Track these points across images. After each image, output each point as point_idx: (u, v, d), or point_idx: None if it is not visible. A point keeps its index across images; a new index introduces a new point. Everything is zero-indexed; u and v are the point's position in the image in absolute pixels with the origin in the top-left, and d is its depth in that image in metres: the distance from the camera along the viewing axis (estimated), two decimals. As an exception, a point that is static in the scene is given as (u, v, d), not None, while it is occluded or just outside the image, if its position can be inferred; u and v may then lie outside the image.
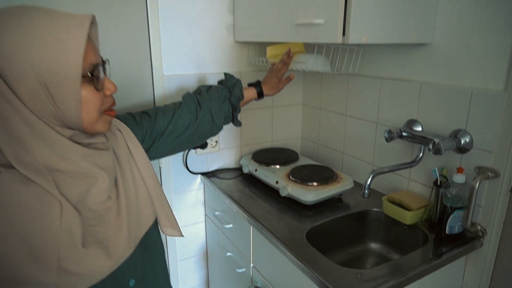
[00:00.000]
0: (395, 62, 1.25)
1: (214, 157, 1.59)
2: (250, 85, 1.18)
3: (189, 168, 1.53)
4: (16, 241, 0.52)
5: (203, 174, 1.57)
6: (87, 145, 0.61)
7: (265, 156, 1.55)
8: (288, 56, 1.13)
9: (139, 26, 1.31)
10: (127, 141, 0.75)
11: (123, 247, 0.62)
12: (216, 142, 1.55)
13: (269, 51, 1.32)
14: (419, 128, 1.19)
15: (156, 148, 0.93)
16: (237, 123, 1.14)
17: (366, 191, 1.05)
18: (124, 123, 0.81)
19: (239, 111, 1.13)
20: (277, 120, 1.71)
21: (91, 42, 0.59)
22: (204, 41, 1.44)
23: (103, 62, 0.62)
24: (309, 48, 1.40)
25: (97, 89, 0.60)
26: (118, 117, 0.86)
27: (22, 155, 0.53)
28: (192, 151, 1.51)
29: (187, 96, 1.04)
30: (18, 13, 0.54)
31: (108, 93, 0.63)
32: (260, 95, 1.17)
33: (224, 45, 1.49)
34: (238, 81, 1.12)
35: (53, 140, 0.55)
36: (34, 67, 0.52)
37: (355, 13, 0.94)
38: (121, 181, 0.66)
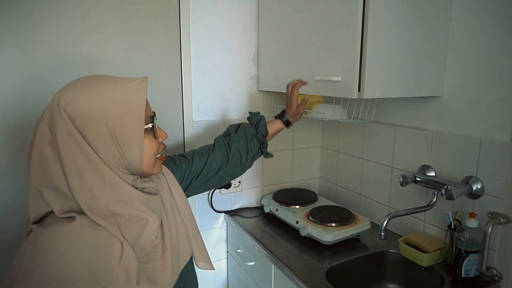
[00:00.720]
0: (408, 112, 1.35)
1: (237, 197, 1.68)
2: (276, 117, 1.25)
3: (213, 206, 1.62)
4: (87, 279, 0.59)
5: (226, 212, 1.65)
6: (142, 190, 0.71)
7: (286, 197, 1.64)
8: (292, 85, 1.20)
9: (174, 77, 1.47)
10: (169, 183, 0.86)
11: (168, 282, 0.70)
12: (239, 182, 1.65)
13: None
14: (432, 173, 1.26)
15: (192, 187, 1.04)
16: (268, 155, 1.20)
17: (383, 233, 1.11)
18: (166, 166, 0.92)
19: (267, 145, 1.20)
20: (296, 162, 1.80)
21: (146, 99, 0.71)
22: (230, 90, 1.58)
23: (154, 114, 0.73)
24: (327, 97, 1.52)
25: (154, 137, 0.72)
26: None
27: (92, 203, 0.63)
28: (217, 190, 1.61)
29: (219, 139, 1.15)
30: (89, 81, 0.66)
31: (161, 139, 0.74)
32: (287, 123, 1.23)
33: (248, 94, 1.62)
34: (262, 118, 1.20)
35: (119, 187, 0.65)
36: (108, 123, 0.64)
37: (369, 72, 1.06)
38: (165, 221, 0.76)
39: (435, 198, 1.20)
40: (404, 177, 1.24)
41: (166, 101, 1.47)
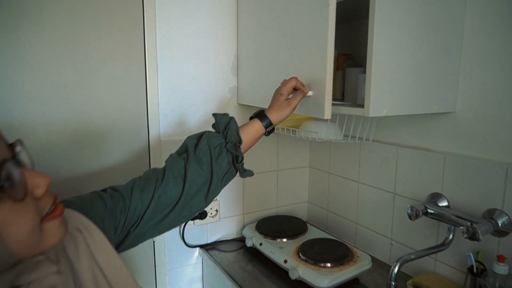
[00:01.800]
0: (413, 130, 1.16)
1: (214, 227, 1.44)
2: (253, 117, 0.91)
3: (186, 240, 1.37)
4: None
5: (201, 246, 1.41)
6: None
7: (270, 227, 1.41)
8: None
9: (137, 90, 1.23)
10: (89, 242, 0.56)
11: None
12: (217, 211, 1.41)
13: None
14: (445, 203, 1.06)
15: (133, 238, 0.73)
16: (246, 173, 0.87)
17: (393, 283, 0.90)
18: (86, 212, 0.62)
19: (242, 158, 0.85)
20: (282, 184, 1.58)
21: None
22: (205, 103, 1.35)
23: (13, 155, 0.42)
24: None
25: (18, 199, 0.40)
26: (78, 201, 0.66)
27: None
28: (190, 221, 1.37)
29: (171, 160, 0.82)
30: None
31: (40, 192, 0.42)
32: (268, 125, 0.89)
33: (226, 108, 1.40)
34: (231, 121, 0.86)
35: None
36: None
37: (375, 86, 0.85)
38: None
39: (451, 235, 1.01)
40: (413, 209, 1.04)
41: (126, 118, 1.22)
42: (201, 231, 1.41)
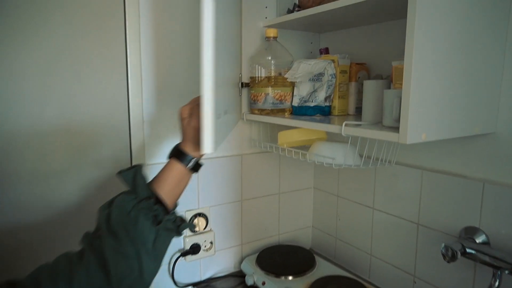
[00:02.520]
0: (442, 151, 1.00)
1: (209, 262, 1.25)
2: (170, 157, 0.78)
3: (175, 279, 1.18)
4: None
5: (194, 285, 1.22)
6: None
7: (273, 261, 1.23)
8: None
9: (119, 104, 1.04)
10: None
11: None
12: (211, 243, 1.23)
13: (282, 137, 1.05)
14: (483, 238, 0.90)
15: None
16: (181, 230, 0.73)
17: None
18: None
19: (168, 213, 0.72)
20: (284, 209, 1.40)
21: None
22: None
23: None
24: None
25: None
26: None
27: None
28: (181, 257, 1.17)
29: (88, 249, 0.65)
30: None
31: None
32: (189, 162, 0.76)
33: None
34: (136, 173, 0.72)
35: None
36: None
37: (414, 107, 0.69)
38: None
39: (497, 282, 0.84)
40: (449, 249, 0.87)
41: (104, 139, 1.03)
42: (193, 267, 1.22)
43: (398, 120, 0.76)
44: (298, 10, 1.13)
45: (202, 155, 0.78)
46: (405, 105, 0.69)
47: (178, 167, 0.76)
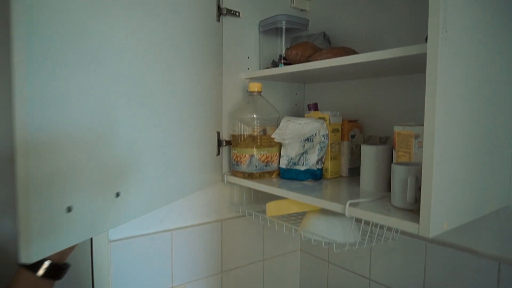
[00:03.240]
0: (448, 222, 0.90)
1: None
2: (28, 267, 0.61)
3: None
4: None
5: None
6: None
7: None
8: None
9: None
10: None
11: None
12: (187, 327, 1.05)
13: (270, 209, 0.91)
14: (501, 325, 0.79)
15: None
16: None
17: None
18: None
19: None
20: (269, 277, 1.25)
21: None
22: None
23: None
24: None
25: None
26: None
27: None
28: None
29: None
30: None
31: None
32: (38, 269, 0.60)
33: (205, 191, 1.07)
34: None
35: None
36: None
37: (436, 194, 0.58)
38: None
39: None
40: None
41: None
42: None
43: (413, 203, 0.66)
44: (284, 63, 1.03)
45: (64, 255, 0.61)
46: (427, 189, 0.58)
47: (25, 277, 0.58)
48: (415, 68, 0.86)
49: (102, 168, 0.63)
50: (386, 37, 1.01)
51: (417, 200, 0.65)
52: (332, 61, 0.82)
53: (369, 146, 0.84)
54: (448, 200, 0.61)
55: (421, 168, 0.60)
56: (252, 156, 0.98)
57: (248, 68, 1.10)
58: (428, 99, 0.57)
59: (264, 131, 1.00)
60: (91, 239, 0.91)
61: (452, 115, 0.60)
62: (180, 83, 0.87)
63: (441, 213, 0.60)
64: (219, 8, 1.00)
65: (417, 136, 0.78)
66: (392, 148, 0.84)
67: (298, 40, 1.11)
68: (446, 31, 0.57)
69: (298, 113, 1.24)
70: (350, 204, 0.70)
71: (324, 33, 1.09)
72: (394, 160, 0.82)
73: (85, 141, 0.59)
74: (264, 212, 0.98)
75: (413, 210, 0.66)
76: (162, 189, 0.81)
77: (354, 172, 1.03)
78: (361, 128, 1.06)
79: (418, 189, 0.65)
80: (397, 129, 0.81)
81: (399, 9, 0.97)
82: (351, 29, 1.09)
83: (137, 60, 0.71)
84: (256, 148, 0.98)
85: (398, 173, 0.68)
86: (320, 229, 0.83)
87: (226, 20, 1.03)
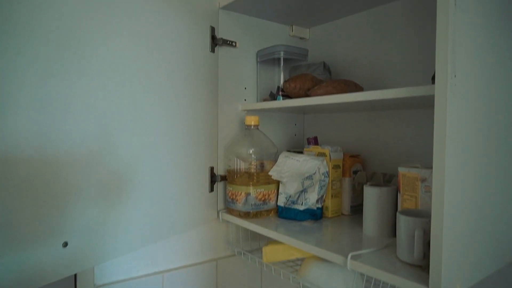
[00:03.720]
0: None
1: None
2: None
3: None
4: None
5: None
6: None
7: None
8: None
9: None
10: None
11: None
12: None
13: (268, 254, 0.85)
14: None
15: None
16: None
17: None
18: None
19: None
20: (267, 317, 1.18)
21: None
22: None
23: None
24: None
25: None
26: None
27: None
28: None
29: None
30: None
31: None
32: None
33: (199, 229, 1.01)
34: None
35: None
36: None
37: (447, 253, 0.52)
38: None
39: None
40: None
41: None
42: None
43: (421, 259, 0.60)
44: (283, 94, 0.99)
45: None
46: (437, 246, 0.53)
47: None
48: (421, 104, 0.81)
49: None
50: (388, 67, 0.96)
51: (425, 255, 0.60)
52: (332, 98, 0.78)
53: (372, 187, 0.79)
54: (460, 257, 0.56)
55: (430, 221, 0.54)
56: (248, 194, 0.92)
57: (245, 99, 1.06)
58: (437, 146, 0.52)
59: (262, 165, 0.95)
60: (75, 283, 0.85)
61: (463, 161, 0.55)
62: (172, 116, 0.83)
63: (453, 273, 0.54)
64: (213, 38, 0.96)
65: (423, 180, 0.72)
66: (397, 190, 0.78)
67: (297, 70, 1.07)
68: (455, 76, 0.52)
69: (297, 144, 1.19)
70: (352, 257, 0.64)
71: (324, 63, 1.05)
72: (399, 204, 0.76)
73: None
74: (261, 250, 0.92)
75: (422, 266, 0.60)
76: (149, 226, 0.76)
77: (357, 210, 0.97)
78: (364, 164, 1.01)
79: (426, 243, 0.59)
80: (402, 170, 0.76)
81: (402, 39, 0.93)
82: (352, 57, 1.06)
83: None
84: (252, 185, 0.92)
85: (405, 224, 0.62)
86: (320, 278, 0.77)
87: (222, 50, 1.00)
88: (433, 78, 0.65)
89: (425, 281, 0.55)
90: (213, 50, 0.96)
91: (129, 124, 0.74)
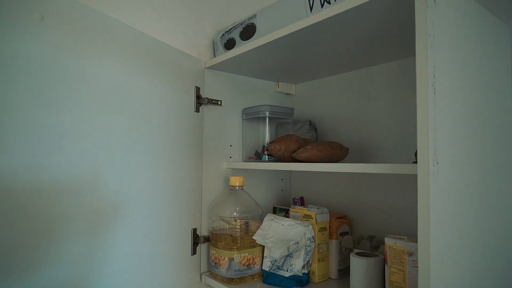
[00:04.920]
0: None
1: None
2: None
3: None
4: None
5: None
6: None
7: None
8: None
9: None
10: None
11: None
12: None
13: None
14: None
15: None
16: None
17: None
18: None
19: None
20: None
21: None
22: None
23: None
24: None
25: None
26: None
27: None
28: None
29: None
30: None
31: None
32: None
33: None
34: None
35: None
36: None
37: None
38: None
39: None
40: None
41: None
42: None
43: None
44: (268, 154, 0.98)
45: None
46: None
47: None
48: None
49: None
50: (374, 126, 0.97)
51: None
52: (315, 166, 0.77)
53: (359, 258, 0.77)
54: None
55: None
56: (232, 259, 0.89)
57: (230, 157, 1.04)
58: (421, 238, 0.51)
59: (247, 224, 0.93)
60: None
61: (450, 249, 0.53)
62: (157, 169, 0.82)
63: None
64: (198, 98, 0.96)
65: (410, 254, 0.70)
66: (384, 261, 0.76)
67: (283, 127, 1.07)
68: (437, 163, 0.51)
69: (284, 200, 1.17)
70: None
71: (310, 121, 1.05)
72: (386, 278, 0.74)
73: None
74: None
75: None
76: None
77: (345, 273, 0.94)
78: (351, 225, 0.98)
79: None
80: (389, 242, 0.74)
81: (386, 100, 0.94)
82: (338, 114, 1.06)
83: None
84: (236, 249, 0.89)
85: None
86: None
87: (208, 108, 0.99)
88: (416, 154, 0.65)
89: None
90: (197, 110, 0.96)
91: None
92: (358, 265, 0.76)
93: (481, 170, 0.61)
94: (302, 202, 0.98)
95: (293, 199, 0.99)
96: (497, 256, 0.65)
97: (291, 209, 0.96)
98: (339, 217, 0.96)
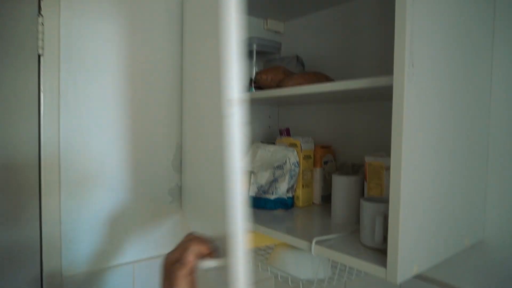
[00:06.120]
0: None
1: None
2: None
3: None
4: None
5: None
6: None
7: None
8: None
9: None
10: None
11: None
12: None
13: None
14: None
15: None
16: None
17: None
18: None
19: None
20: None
21: None
22: (133, 213, 0.96)
23: None
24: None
25: None
26: None
27: None
28: None
29: None
30: None
31: None
32: None
33: (166, 217, 1.01)
34: None
35: None
36: None
37: (404, 237, 0.55)
38: None
39: None
40: None
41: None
42: None
43: (382, 243, 0.62)
44: (255, 86, 1.00)
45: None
46: (394, 229, 0.55)
47: None
48: (386, 96, 0.83)
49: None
50: (358, 61, 0.99)
51: (385, 239, 0.62)
52: (301, 89, 0.79)
53: (340, 176, 0.81)
54: (417, 240, 0.58)
55: (390, 206, 0.56)
56: (220, 184, 0.93)
57: (218, 91, 1.06)
58: (395, 136, 0.54)
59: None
60: (41, 274, 0.83)
61: (421, 148, 0.57)
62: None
63: (410, 255, 0.57)
64: (187, 29, 0.96)
65: (388, 168, 0.74)
66: (363, 179, 0.81)
67: (271, 63, 1.08)
68: (413, 65, 0.54)
69: (272, 137, 1.21)
70: (317, 242, 0.66)
71: (298, 57, 1.06)
72: (365, 192, 0.79)
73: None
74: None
75: (382, 250, 0.62)
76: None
77: (328, 199, 0.99)
78: (334, 154, 1.03)
79: (387, 228, 0.61)
80: (368, 159, 0.78)
81: (371, 34, 0.96)
82: (324, 51, 1.07)
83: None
84: (224, 175, 0.93)
85: (367, 210, 0.64)
86: (288, 264, 0.79)
87: (196, 41, 1.00)
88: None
89: (384, 263, 0.57)
90: (186, 41, 0.96)
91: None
92: (339, 182, 0.81)
93: (455, 79, 0.64)
94: (288, 132, 1.01)
95: (279, 129, 1.02)
96: (473, 164, 0.69)
97: (277, 140, 1.00)
98: (323, 147, 1.00)
